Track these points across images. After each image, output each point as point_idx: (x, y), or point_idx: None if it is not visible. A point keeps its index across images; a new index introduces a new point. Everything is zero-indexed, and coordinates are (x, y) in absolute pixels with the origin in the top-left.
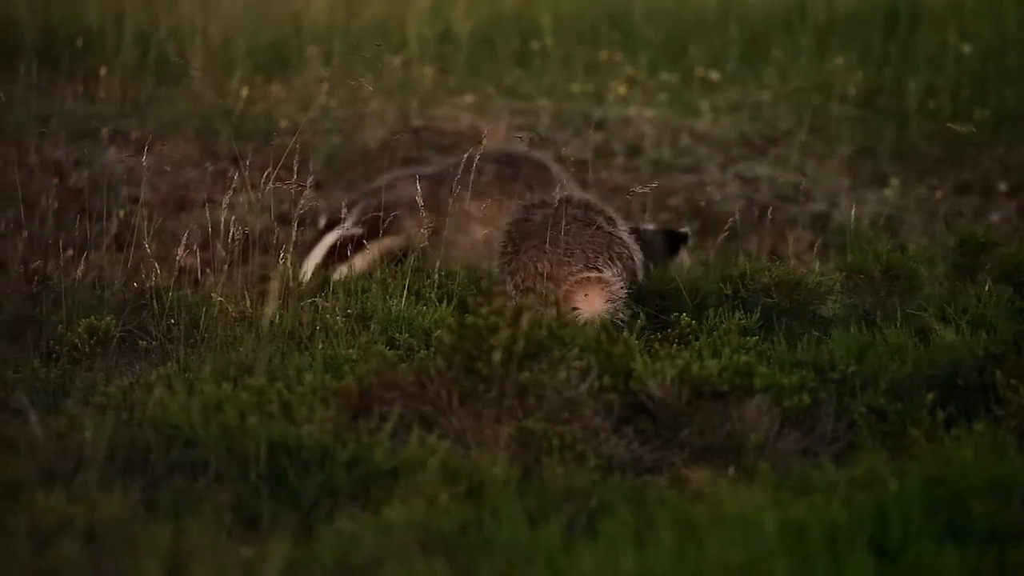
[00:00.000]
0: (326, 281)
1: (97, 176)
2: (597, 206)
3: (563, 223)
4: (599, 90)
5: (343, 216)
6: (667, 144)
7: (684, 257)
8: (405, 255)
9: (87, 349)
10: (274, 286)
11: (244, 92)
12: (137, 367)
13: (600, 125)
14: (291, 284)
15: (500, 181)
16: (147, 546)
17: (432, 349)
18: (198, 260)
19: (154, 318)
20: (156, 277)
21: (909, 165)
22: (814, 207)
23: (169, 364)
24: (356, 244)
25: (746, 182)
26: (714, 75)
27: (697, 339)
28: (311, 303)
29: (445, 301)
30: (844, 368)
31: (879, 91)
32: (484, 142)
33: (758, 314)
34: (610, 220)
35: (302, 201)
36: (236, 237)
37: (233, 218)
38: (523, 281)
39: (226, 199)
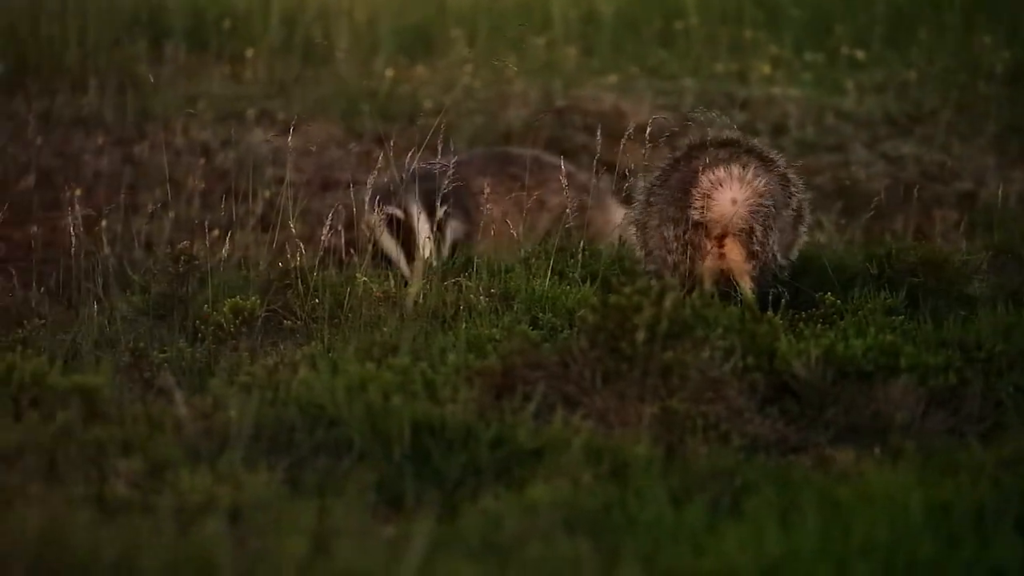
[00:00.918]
0: (470, 261)
1: (243, 157)
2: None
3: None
4: (743, 70)
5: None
6: (812, 124)
7: None
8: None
9: (232, 329)
10: (418, 266)
11: (389, 73)
12: (282, 347)
13: (744, 105)
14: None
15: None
16: (291, 526)
17: (575, 329)
18: (342, 240)
19: (299, 298)
20: (301, 257)
21: None
22: (960, 186)
23: (313, 344)
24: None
25: (891, 161)
26: (859, 54)
27: (842, 319)
28: (455, 283)
29: (588, 281)
30: (991, 348)
31: None
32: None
33: (904, 294)
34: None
35: (445, 181)
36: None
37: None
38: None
39: (370, 179)
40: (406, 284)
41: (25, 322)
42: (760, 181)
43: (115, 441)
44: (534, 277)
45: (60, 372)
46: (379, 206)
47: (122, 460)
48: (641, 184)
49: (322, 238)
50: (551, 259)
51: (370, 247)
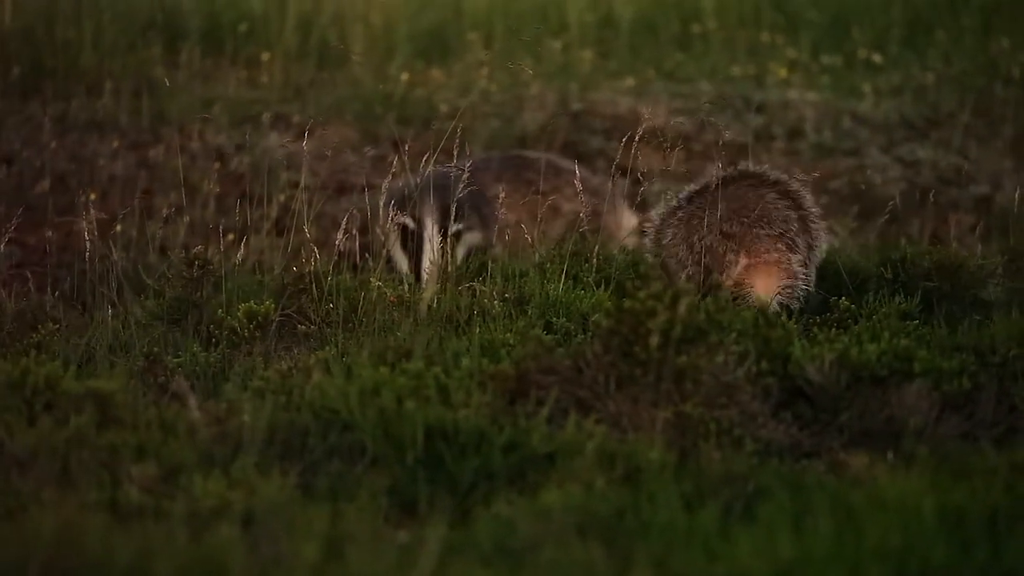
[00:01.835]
0: (484, 266)
1: (258, 161)
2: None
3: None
4: (760, 73)
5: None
6: (828, 127)
7: None
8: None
9: (246, 333)
10: (432, 271)
11: (404, 77)
12: (296, 351)
13: (761, 108)
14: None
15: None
16: (305, 530)
17: (589, 333)
18: (357, 245)
19: (313, 302)
20: (315, 262)
21: None
22: (976, 190)
23: (327, 348)
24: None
25: (908, 165)
26: (876, 57)
27: (856, 323)
28: (469, 287)
29: (603, 285)
30: (1005, 352)
31: None
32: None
33: (918, 298)
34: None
35: (460, 186)
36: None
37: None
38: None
39: (385, 183)
40: (418, 287)
41: (40, 326)
42: (796, 259)
43: (129, 446)
44: (548, 281)
45: (74, 377)
46: (393, 213)
47: (136, 465)
48: (660, 210)
49: (337, 242)
50: (565, 263)
51: (384, 252)
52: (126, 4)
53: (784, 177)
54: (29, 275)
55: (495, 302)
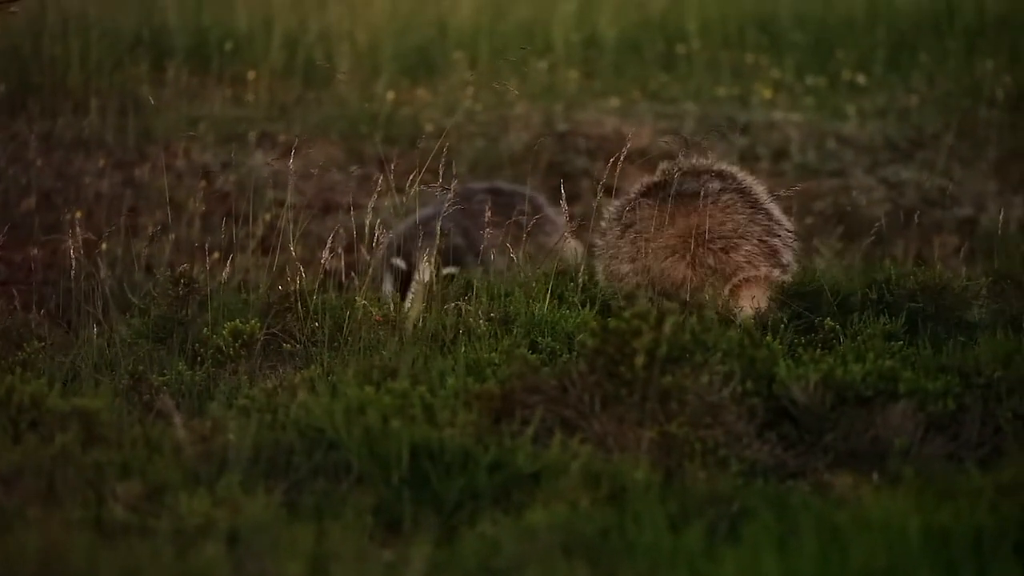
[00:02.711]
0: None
1: (244, 179)
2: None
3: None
4: (744, 94)
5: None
6: (813, 148)
7: None
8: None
9: (232, 352)
10: (418, 290)
11: (390, 96)
12: (281, 370)
13: (745, 129)
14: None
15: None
16: (290, 548)
17: (574, 353)
18: (343, 263)
19: (298, 321)
20: (301, 280)
21: None
22: (961, 211)
23: (313, 367)
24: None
25: (892, 186)
26: (860, 79)
27: (841, 343)
28: (454, 306)
29: (588, 305)
30: (990, 373)
31: None
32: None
33: (903, 319)
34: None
35: (446, 205)
36: (381, 241)
37: (378, 222)
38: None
39: (371, 203)
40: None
41: (25, 344)
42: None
43: (114, 464)
44: (533, 301)
45: (59, 395)
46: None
47: (121, 483)
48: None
49: (322, 261)
50: (550, 283)
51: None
52: (112, 22)
53: (727, 168)
54: (14, 293)
55: (480, 321)
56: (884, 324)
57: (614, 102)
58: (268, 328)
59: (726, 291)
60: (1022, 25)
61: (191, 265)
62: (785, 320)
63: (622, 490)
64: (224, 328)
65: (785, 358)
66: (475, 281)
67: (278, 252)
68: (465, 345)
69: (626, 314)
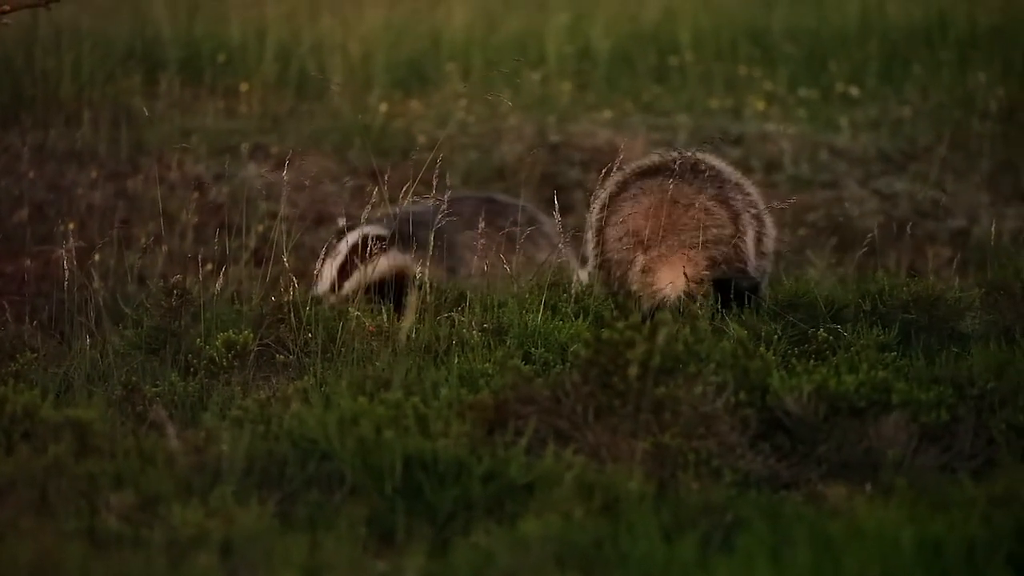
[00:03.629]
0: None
1: (237, 191)
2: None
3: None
4: (737, 106)
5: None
6: (806, 160)
7: None
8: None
9: (225, 363)
10: (412, 300)
11: (383, 108)
12: (274, 381)
13: (738, 141)
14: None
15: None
16: (283, 559)
17: (568, 363)
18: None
19: (291, 332)
20: (294, 291)
21: None
22: (954, 223)
23: (306, 378)
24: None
25: (885, 198)
26: (854, 91)
27: (834, 354)
28: (447, 317)
29: (581, 316)
30: (983, 384)
31: (1021, 106)
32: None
33: (896, 330)
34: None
35: (439, 216)
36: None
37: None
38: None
39: (364, 214)
40: (399, 317)
41: (18, 355)
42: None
43: (107, 475)
44: (527, 312)
45: (52, 405)
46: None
47: (114, 494)
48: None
49: (315, 272)
50: (544, 294)
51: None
52: (105, 34)
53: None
54: (7, 304)
55: (474, 332)
56: (877, 335)
57: (607, 114)
58: (261, 339)
59: (636, 268)
60: (1015, 37)
61: (184, 276)
62: (779, 331)
63: (615, 501)
64: (217, 339)
65: (778, 369)
66: (468, 292)
67: (271, 263)
68: (459, 356)
69: (619, 325)
